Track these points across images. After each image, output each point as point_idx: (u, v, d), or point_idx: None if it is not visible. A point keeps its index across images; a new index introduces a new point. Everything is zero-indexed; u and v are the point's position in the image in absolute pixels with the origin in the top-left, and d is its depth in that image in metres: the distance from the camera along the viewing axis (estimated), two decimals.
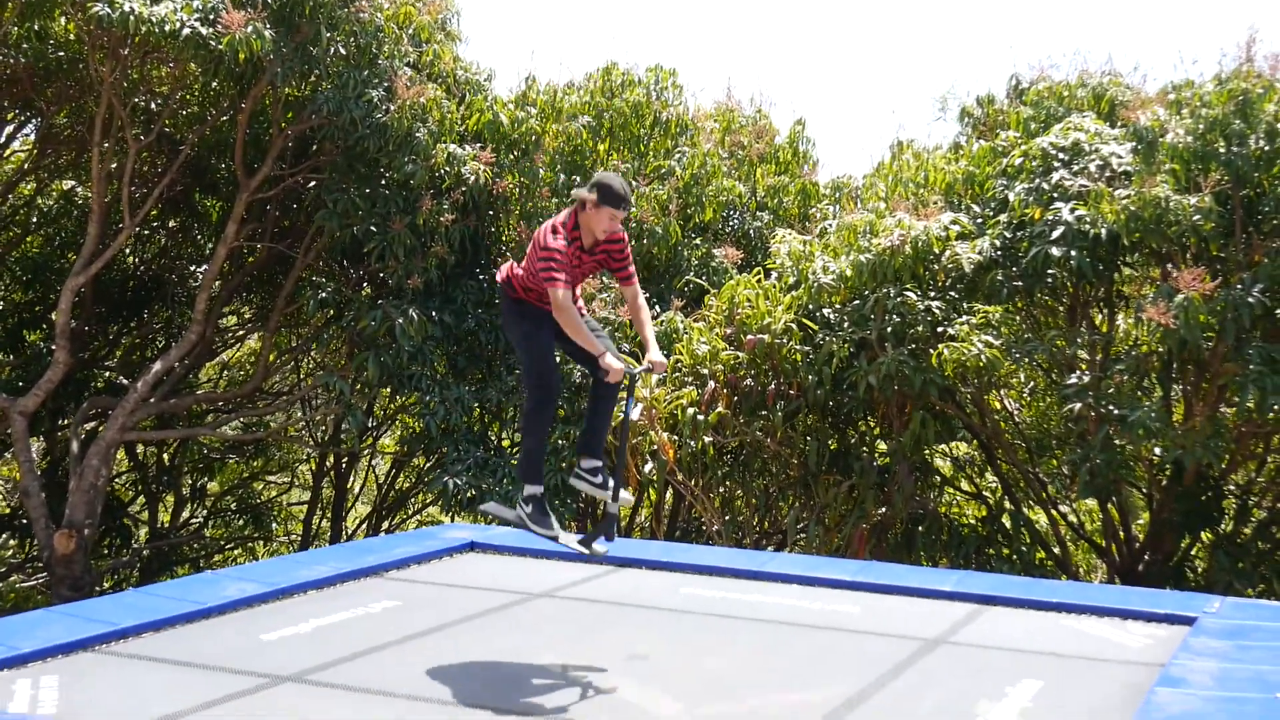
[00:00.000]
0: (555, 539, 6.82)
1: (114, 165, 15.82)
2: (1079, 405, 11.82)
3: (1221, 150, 11.72)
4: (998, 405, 15.34)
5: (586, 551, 6.80)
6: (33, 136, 18.07)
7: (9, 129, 17.77)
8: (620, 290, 6.76)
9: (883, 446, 13.82)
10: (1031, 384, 15.69)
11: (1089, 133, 12.79)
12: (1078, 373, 12.24)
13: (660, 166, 16.25)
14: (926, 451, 13.63)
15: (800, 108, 47.17)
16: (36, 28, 14.99)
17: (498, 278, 6.76)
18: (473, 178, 14.36)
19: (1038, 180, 12.68)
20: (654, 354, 6.57)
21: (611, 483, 6.67)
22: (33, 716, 5.51)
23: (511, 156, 15.21)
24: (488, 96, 15.45)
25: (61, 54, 15.53)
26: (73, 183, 18.85)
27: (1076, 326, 12.99)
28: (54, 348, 15.31)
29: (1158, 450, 11.87)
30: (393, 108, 14.08)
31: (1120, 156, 12.44)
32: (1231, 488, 13.90)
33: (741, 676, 6.44)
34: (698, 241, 15.80)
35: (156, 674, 6.24)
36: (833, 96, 58.45)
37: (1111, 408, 11.63)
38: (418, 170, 14.15)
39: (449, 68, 15.39)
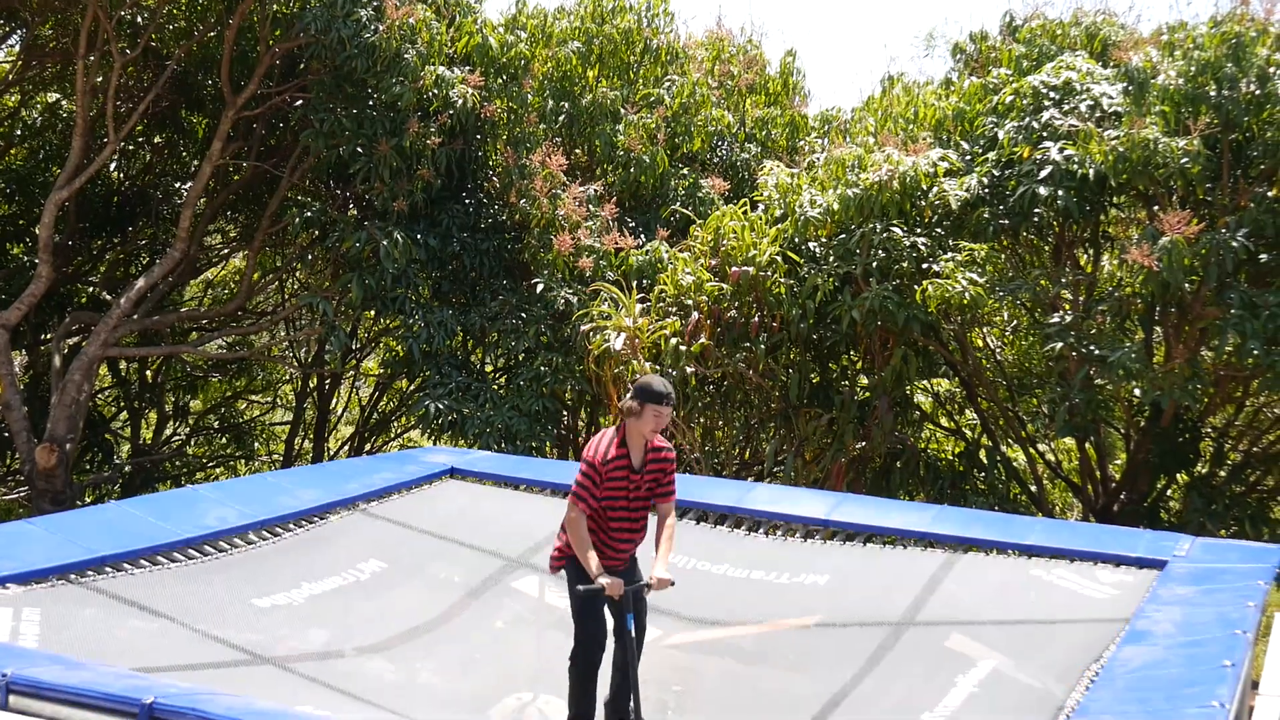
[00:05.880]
0: None
1: (99, 79, 15.66)
2: (1060, 345, 11.86)
3: (1212, 93, 11.69)
4: (980, 343, 15.40)
5: None
6: (17, 47, 17.87)
7: None
8: (656, 505, 6.64)
9: (864, 381, 13.87)
10: (1014, 322, 15.74)
11: (1081, 72, 12.73)
12: (1060, 312, 12.28)
13: (649, 95, 16.15)
14: (907, 387, 13.68)
15: (791, 38, 46.71)
16: None
17: (552, 560, 6.69)
18: (460, 101, 14.26)
19: (1028, 119, 12.65)
20: (660, 570, 6.48)
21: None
22: (14, 645, 5.54)
23: (500, 81, 15.09)
24: (477, 19, 15.28)
25: None
26: (57, 95, 18.65)
27: (1061, 266, 13.01)
28: (37, 261, 15.23)
29: (1137, 391, 11.94)
30: (381, 28, 13.94)
31: (1111, 97, 12.40)
32: (1209, 430, 14.02)
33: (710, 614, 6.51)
34: (685, 171, 15.73)
35: (140, 622, 6.24)
36: (824, 28, 57.87)
37: (1093, 348, 11.69)
38: (405, 92, 14.04)
39: None
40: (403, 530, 8.39)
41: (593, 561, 6.30)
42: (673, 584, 6.36)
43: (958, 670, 6.27)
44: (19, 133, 19.00)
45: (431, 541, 8.26)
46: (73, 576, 6.62)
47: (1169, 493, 14.14)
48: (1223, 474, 13.73)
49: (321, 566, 7.62)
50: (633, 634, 6.43)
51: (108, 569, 6.79)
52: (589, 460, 6.40)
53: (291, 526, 8.01)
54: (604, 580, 6.25)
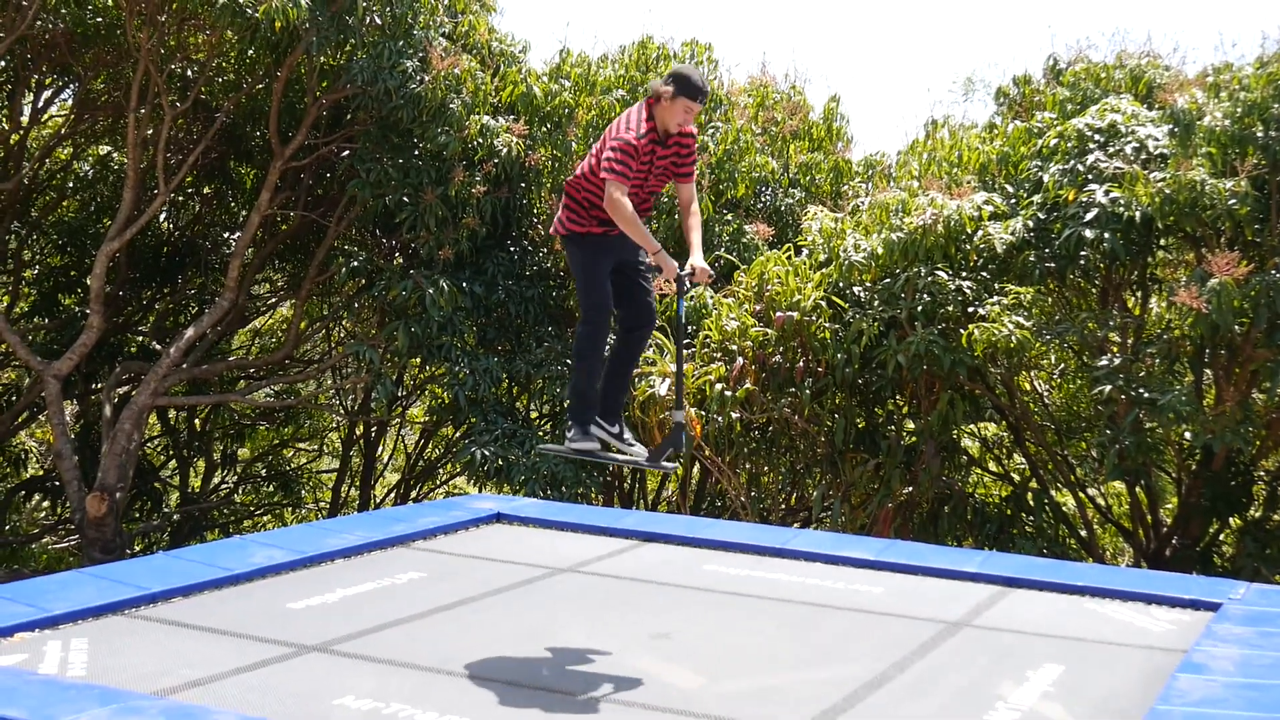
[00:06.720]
0: (601, 449, 6.71)
1: (150, 131, 15.90)
2: (1109, 388, 11.77)
3: (1259, 134, 11.63)
4: (1027, 386, 15.30)
5: (654, 466, 6.67)
6: (70, 101, 18.18)
7: (46, 94, 17.88)
8: (675, 188, 6.66)
9: (910, 426, 13.80)
10: (1062, 366, 15.63)
11: (1125, 114, 12.70)
12: (1108, 355, 12.20)
13: None
14: (954, 431, 13.61)
15: (835, 84, 46.86)
16: None
17: (553, 229, 6.71)
18: (505, 150, 14.38)
19: (1072, 161, 12.61)
20: (697, 258, 6.44)
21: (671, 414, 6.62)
22: (63, 678, 5.58)
23: (544, 129, 15.21)
24: (522, 68, 15.44)
25: (99, 20, 15.61)
26: (109, 148, 18.97)
27: (1108, 309, 12.93)
28: (88, 312, 15.44)
29: (1187, 434, 11.83)
30: (427, 78, 14.10)
31: (1156, 139, 12.36)
32: (1261, 474, 13.85)
33: (763, 654, 6.46)
34: (729, 217, 15.76)
35: (185, 639, 6.30)
36: (867, 73, 58.10)
37: (1142, 391, 11.59)
38: (451, 141, 14.17)
39: (484, 39, 15.39)
40: (446, 555, 8.42)
41: (652, 240, 6.22)
42: (711, 276, 6.34)
43: (1026, 665, 6.20)
44: (71, 185, 19.31)
45: (475, 561, 8.27)
46: (120, 611, 6.68)
47: (1222, 537, 13.96)
48: (1277, 518, 13.54)
49: (357, 578, 7.68)
50: (683, 320, 6.52)
51: (156, 603, 6.86)
52: (623, 137, 6.22)
53: (337, 561, 8.05)
54: (669, 260, 6.16)
